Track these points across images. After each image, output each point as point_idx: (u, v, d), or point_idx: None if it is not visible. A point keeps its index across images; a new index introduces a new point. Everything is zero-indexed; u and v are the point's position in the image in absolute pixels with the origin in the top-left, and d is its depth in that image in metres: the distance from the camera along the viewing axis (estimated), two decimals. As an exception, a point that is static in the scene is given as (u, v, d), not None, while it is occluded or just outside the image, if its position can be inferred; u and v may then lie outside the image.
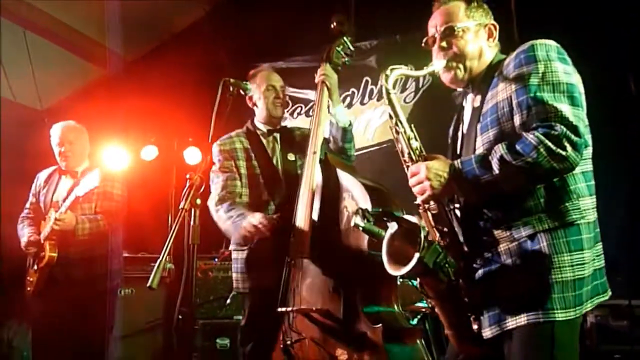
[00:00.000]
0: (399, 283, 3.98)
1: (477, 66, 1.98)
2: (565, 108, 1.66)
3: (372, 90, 5.79)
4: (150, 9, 6.15)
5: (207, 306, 4.65)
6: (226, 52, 6.50)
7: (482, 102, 1.90)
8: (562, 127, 1.62)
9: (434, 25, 2.03)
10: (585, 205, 1.74)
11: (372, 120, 5.68)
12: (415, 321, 3.97)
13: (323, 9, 5.98)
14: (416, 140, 1.91)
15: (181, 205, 2.02)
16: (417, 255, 1.64)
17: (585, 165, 1.78)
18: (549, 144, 1.60)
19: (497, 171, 1.67)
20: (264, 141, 3.01)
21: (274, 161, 2.95)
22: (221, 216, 2.77)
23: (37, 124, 5.85)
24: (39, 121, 6.14)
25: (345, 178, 2.51)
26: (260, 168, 2.90)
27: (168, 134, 6.10)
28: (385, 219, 1.87)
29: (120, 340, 4.72)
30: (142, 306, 4.87)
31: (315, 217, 2.51)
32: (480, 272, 1.82)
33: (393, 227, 1.82)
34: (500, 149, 1.68)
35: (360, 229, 1.93)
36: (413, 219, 1.81)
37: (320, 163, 2.60)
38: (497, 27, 2.03)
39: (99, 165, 3.98)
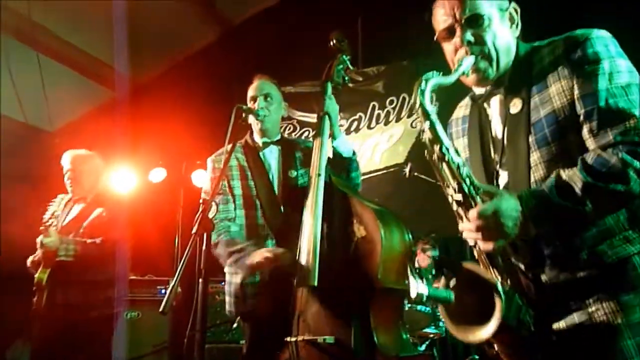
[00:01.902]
0: (406, 309, 3.98)
1: (508, 59, 1.65)
2: None
3: (379, 115, 5.84)
4: (161, 33, 6.26)
5: (213, 330, 4.62)
6: (235, 76, 6.59)
7: (527, 108, 1.58)
8: None
9: (450, 14, 1.64)
10: None
11: (379, 144, 5.72)
12: (423, 347, 3.95)
13: (330, 35, 6.13)
14: (465, 166, 1.54)
15: (193, 230, 2.02)
16: (497, 316, 1.36)
17: None
18: (638, 164, 1.34)
19: (583, 203, 1.37)
20: (261, 155, 2.84)
21: (271, 178, 2.77)
22: (221, 254, 2.61)
23: (47, 145, 5.93)
24: (49, 142, 6.24)
25: (352, 202, 2.37)
26: (257, 188, 2.72)
27: (176, 156, 6.16)
28: (442, 270, 1.60)
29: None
30: (149, 329, 4.83)
31: (321, 242, 2.33)
32: (559, 322, 1.48)
33: (450, 280, 1.50)
34: (580, 175, 1.38)
35: (425, 299, 1.49)
36: (474, 265, 1.51)
37: (325, 186, 2.44)
38: (519, 10, 1.71)
39: (111, 190, 4.02)
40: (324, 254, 2.32)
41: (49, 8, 5.43)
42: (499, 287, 1.38)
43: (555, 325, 1.47)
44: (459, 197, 1.49)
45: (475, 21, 1.61)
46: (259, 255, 2.42)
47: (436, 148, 1.54)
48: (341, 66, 2.76)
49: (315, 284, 2.27)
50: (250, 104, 2.85)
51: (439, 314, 3.86)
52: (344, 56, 2.78)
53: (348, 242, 2.29)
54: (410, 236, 2.28)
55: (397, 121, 5.71)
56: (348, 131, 5.95)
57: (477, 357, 3.99)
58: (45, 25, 5.71)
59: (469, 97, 1.84)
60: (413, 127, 5.39)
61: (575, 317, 1.44)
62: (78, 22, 5.87)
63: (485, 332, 1.38)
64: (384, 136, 5.72)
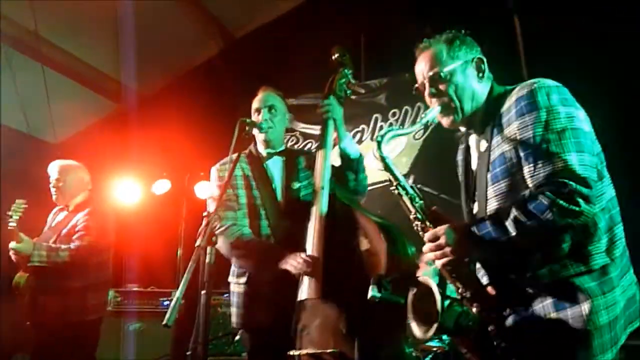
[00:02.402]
0: (409, 322, 3.95)
1: (473, 104, 1.94)
2: (572, 158, 1.63)
3: (381, 127, 5.84)
4: (165, 46, 6.31)
5: (216, 342, 4.60)
6: (239, 89, 6.62)
7: (489, 147, 1.86)
8: (572, 182, 1.59)
9: (421, 72, 1.99)
10: (611, 240, 1.70)
11: (386, 133, 5.71)
12: (428, 359, 3.92)
13: (333, 47, 6.16)
14: (419, 199, 1.90)
15: (197, 243, 2.03)
16: (435, 324, 1.66)
17: (602, 200, 1.72)
18: (561, 202, 1.58)
19: (513, 233, 1.64)
20: (265, 166, 2.85)
21: (274, 189, 2.78)
22: (245, 252, 2.63)
23: (50, 157, 5.95)
24: (53, 154, 6.26)
25: (356, 215, 2.41)
26: (262, 198, 2.73)
27: (180, 168, 6.17)
28: (404, 282, 1.89)
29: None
30: (151, 341, 4.83)
31: (325, 255, 2.36)
32: (510, 320, 1.76)
33: (412, 290, 1.82)
34: (513, 211, 1.65)
35: (377, 300, 1.92)
36: (428, 279, 1.79)
37: (329, 199, 2.47)
38: (485, 60, 1.97)
39: (95, 199, 4.05)
40: (327, 267, 2.33)
41: (54, 21, 5.47)
42: (438, 299, 1.67)
43: (507, 327, 1.74)
44: (417, 222, 1.87)
45: (436, 78, 1.93)
46: (294, 259, 2.40)
47: (394, 184, 1.94)
48: (343, 80, 2.79)
49: (319, 297, 2.28)
50: (254, 116, 2.87)
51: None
52: (346, 70, 2.80)
53: (352, 255, 2.31)
54: (414, 249, 2.29)
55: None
56: (351, 143, 5.95)
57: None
58: (50, 38, 5.75)
59: (455, 136, 2.15)
60: (416, 139, 5.37)
61: (523, 321, 1.72)
62: (82, 36, 5.92)
63: (429, 332, 1.70)
64: (387, 148, 5.68)
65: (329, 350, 2.22)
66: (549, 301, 1.68)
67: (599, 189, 1.70)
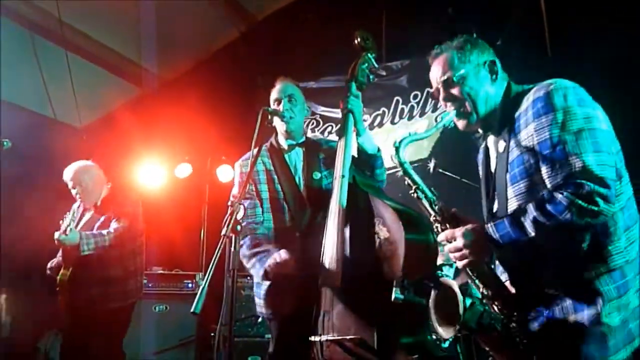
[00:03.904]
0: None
1: (488, 106, 1.97)
2: (590, 159, 1.65)
3: (402, 109, 5.80)
4: (186, 30, 6.32)
5: (239, 324, 4.67)
6: (260, 72, 6.62)
7: (507, 148, 1.90)
8: (590, 183, 1.61)
9: (434, 78, 2.04)
10: (628, 240, 1.72)
11: (404, 139, 5.68)
12: (446, 344, 3.95)
13: (354, 29, 6.11)
14: (438, 201, 1.96)
15: (223, 232, 2.07)
16: (457, 325, 1.73)
17: (622, 199, 1.74)
18: (580, 202, 1.60)
19: (532, 233, 1.66)
20: (287, 157, 2.86)
21: (297, 180, 2.79)
22: (244, 254, 2.65)
23: (75, 141, 6.06)
24: (77, 138, 6.37)
25: (375, 203, 2.38)
26: (284, 192, 2.75)
27: (202, 152, 6.23)
28: (425, 283, 1.94)
29: (153, 356, 4.80)
30: (176, 323, 4.93)
31: (345, 242, 2.38)
32: (531, 320, 1.80)
33: (434, 291, 1.89)
34: (532, 210, 1.67)
35: (400, 302, 1.97)
36: (449, 280, 1.86)
37: (348, 187, 2.46)
38: (497, 61, 2.01)
39: (117, 189, 4.20)
40: (348, 255, 2.35)
41: (78, 8, 5.52)
42: (460, 299, 1.74)
43: (530, 327, 1.78)
44: (437, 225, 1.92)
45: (449, 82, 1.98)
46: (271, 259, 2.52)
47: (413, 189, 2.00)
48: (366, 65, 2.71)
49: (340, 285, 2.30)
50: (274, 106, 2.85)
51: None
52: (369, 54, 2.72)
53: (372, 243, 2.29)
54: (435, 236, 2.24)
55: (421, 116, 5.67)
56: (371, 126, 5.93)
57: (501, 354, 3.98)
58: (74, 24, 5.80)
59: (473, 139, 2.18)
60: (438, 122, 5.34)
61: (544, 322, 1.76)
62: (105, 21, 5.96)
63: (451, 331, 1.79)
64: (408, 131, 5.68)
65: (349, 337, 2.24)
66: (568, 302, 1.72)
67: (617, 188, 1.70)
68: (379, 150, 2.73)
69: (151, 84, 6.91)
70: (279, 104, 2.84)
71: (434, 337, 2.33)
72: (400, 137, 2.02)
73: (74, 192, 4.07)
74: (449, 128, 2.05)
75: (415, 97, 5.72)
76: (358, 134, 2.65)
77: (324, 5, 6.14)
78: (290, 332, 2.62)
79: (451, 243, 1.83)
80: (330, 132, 6.22)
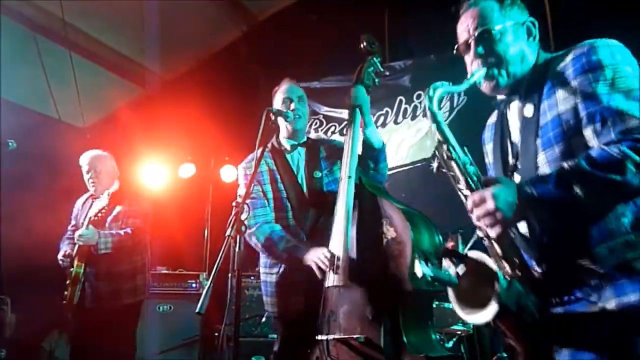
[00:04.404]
0: (434, 306, 3.97)
1: (522, 69, 1.78)
2: None
3: (405, 109, 5.80)
4: (188, 30, 6.33)
5: (243, 324, 4.66)
6: (262, 72, 6.63)
7: (537, 112, 1.69)
8: None
9: (466, 29, 1.83)
10: None
11: (406, 139, 5.69)
12: (450, 344, 3.95)
13: (357, 29, 6.11)
14: (472, 164, 1.67)
15: (227, 233, 2.08)
16: (494, 302, 1.50)
17: None
18: (637, 158, 1.41)
19: (579, 191, 1.44)
20: (289, 157, 2.92)
21: (300, 180, 2.84)
22: (276, 249, 2.70)
23: (78, 141, 6.07)
24: (80, 138, 6.38)
25: (382, 203, 2.41)
26: (287, 191, 2.81)
27: (205, 152, 6.24)
28: (450, 257, 1.68)
29: (156, 356, 4.80)
30: (180, 322, 4.94)
31: (352, 243, 2.41)
32: (561, 309, 1.59)
33: (459, 267, 1.63)
34: (581, 166, 1.46)
35: (430, 278, 1.70)
36: (479, 254, 1.61)
37: (355, 188, 2.48)
38: (537, 23, 1.83)
39: (128, 185, 4.25)
40: (355, 255, 2.37)
41: (81, 8, 5.54)
42: (499, 274, 1.51)
43: (558, 314, 1.58)
44: (467, 192, 1.63)
45: (486, 36, 1.77)
46: (315, 255, 2.49)
47: (444, 148, 1.70)
48: (371, 68, 2.76)
49: (345, 284, 2.32)
50: (280, 106, 2.89)
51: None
52: (375, 58, 2.77)
53: (378, 243, 2.32)
54: (441, 238, 2.31)
55: (424, 116, 5.66)
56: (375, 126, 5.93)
57: (505, 355, 3.97)
58: (77, 24, 5.82)
59: (493, 104, 1.95)
60: (469, 78, 5.31)
61: (577, 308, 1.54)
62: (108, 21, 5.97)
63: (486, 314, 1.51)
64: (411, 131, 5.68)
65: (355, 336, 2.26)
66: (607, 286, 1.49)
67: None
68: (383, 143, 2.77)
69: (154, 84, 6.93)
70: (290, 103, 2.90)
71: (438, 336, 2.34)
72: (436, 85, 1.76)
73: (87, 177, 4.13)
74: (458, 107, 1.89)
75: (418, 97, 5.72)
76: (365, 126, 2.67)
77: (326, 5, 6.13)
78: (296, 331, 2.64)
79: (479, 207, 1.54)
80: (333, 132, 6.22)
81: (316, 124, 6.26)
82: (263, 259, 2.88)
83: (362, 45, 2.77)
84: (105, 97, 6.84)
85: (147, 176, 6.14)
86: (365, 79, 2.72)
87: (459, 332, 3.96)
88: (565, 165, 1.50)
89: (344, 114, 5.86)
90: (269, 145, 2.94)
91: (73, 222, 4.25)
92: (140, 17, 5.79)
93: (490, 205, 1.51)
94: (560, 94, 1.63)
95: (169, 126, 6.28)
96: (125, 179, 4.37)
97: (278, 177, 2.85)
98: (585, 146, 1.55)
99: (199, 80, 6.65)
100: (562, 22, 4.50)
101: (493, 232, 1.55)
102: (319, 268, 2.46)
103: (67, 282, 3.89)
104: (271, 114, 2.57)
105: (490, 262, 1.57)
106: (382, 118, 5.91)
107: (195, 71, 7.08)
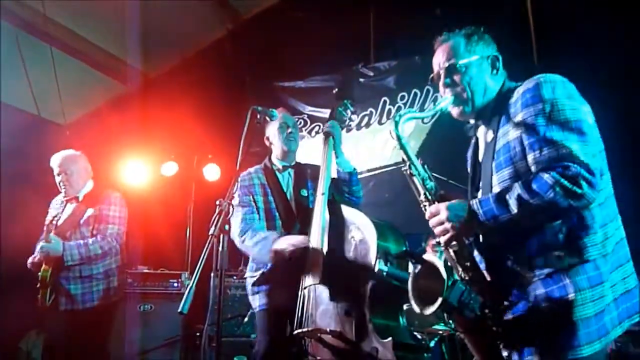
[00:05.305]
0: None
1: (485, 99, 2.01)
2: (576, 147, 1.69)
3: (389, 110, 5.83)
4: (173, 27, 6.28)
5: (225, 324, 4.64)
6: (247, 71, 6.61)
7: (495, 138, 1.93)
8: (576, 165, 1.66)
9: (437, 62, 2.08)
10: (605, 235, 1.75)
11: (390, 140, 5.66)
12: (432, 343, 3.98)
13: (342, 29, 6.15)
14: (430, 180, 1.97)
15: (210, 232, 2.07)
16: (440, 298, 1.72)
17: (601, 195, 1.76)
18: (565, 182, 1.64)
19: (515, 210, 1.70)
20: (279, 176, 3.25)
21: (288, 196, 3.19)
22: (248, 245, 2.99)
23: (59, 138, 6.00)
24: (61, 135, 6.30)
25: (349, 212, 2.77)
26: (276, 203, 3.14)
27: (188, 150, 6.20)
28: (407, 259, 1.93)
29: (138, 356, 4.75)
30: (161, 322, 4.89)
31: (326, 248, 2.73)
32: (505, 306, 1.82)
33: (416, 267, 1.88)
34: (517, 188, 1.72)
35: (385, 273, 2.08)
36: (433, 257, 1.85)
37: (328, 203, 2.86)
38: (500, 57, 2.06)
39: (102, 186, 4.16)
40: (328, 258, 2.67)
41: (63, 3, 5.46)
42: (444, 275, 1.74)
43: (501, 310, 1.80)
44: (426, 204, 1.93)
45: (452, 69, 2.02)
46: (283, 242, 2.85)
47: (407, 165, 2.00)
48: (341, 108, 3.20)
49: (321, 283, 2.62)
50: (277, 130, 3.26)
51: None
52: (345, 101, 3.22)
53: (349, 246, 2.66)
54: (407, 244, 2.69)
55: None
56: (359, 126, 5.95)
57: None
58: (59, 20, 5.73)
59: (464, 129, 2.19)
60: (424, 123, 5.34)
61: (517, 307, 1.78)
62: (90, 17, 5.90)
63: (432, 307, 1.75)
64: (403, 128, 5.70)
65: (329, 330, 2.53)
66: (541, 291, 1.74)
67: (599, 183, 1.72)
68: (354, 169, 3.14)
69: (136, 81, 6.86)
70: (287, 128, 3.27)
71: (406, 323, 2.63)
72: (402, 112, 2.05)
73: (58, 179, 4.00)
74: (445, 113, 2.08)
75: (402, 98, 5.75)
76: (337, 157, 3.06)
77: (312, 4, 6.13)
78: (277, 327, 2.88)
79: (434, 218, 1.85)
80: (317, 132, 6.22)
81: (301, 123, 6.26)
82: (250, 263, 3.17)
83: (334, 91, 3.33)
84: (87, 94, 6.75)
85: (129, 174, 6.08)
86: (337, 117, 3.16)
87: (440, 332, 3.99)
88: (505, 188, 1.77)
89: (328, 113, 5.86)
90: (262, 165, 3.31)
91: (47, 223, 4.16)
92: (123, 13, 5.72)
93: (442, 216, 1.82)
94: (510, 124, 1.87)
95: (152, 124, 6.22)
96: (105, 177, 4.29)
97: (269, 191, 3.19)
98: (529, 170, 1.78)
99: (183, 78, 6.61)
100: (545, 31, 4.57)
101: (443, 240, 1.84)
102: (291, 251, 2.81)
103: (37, 285, 3.84)
104: (257, 113, 2.58)
105: (440, 265, 1.80)
106: (366, 118, 5.93)
107: (179, 69, 7.02)
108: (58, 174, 4.00)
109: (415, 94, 5.67)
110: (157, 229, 5.83)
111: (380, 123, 5.87)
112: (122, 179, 5.95)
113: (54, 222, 3.80)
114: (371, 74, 5.91)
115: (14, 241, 4.74)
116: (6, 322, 5.29)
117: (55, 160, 4.02)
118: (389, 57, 5.90)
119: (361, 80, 5.99)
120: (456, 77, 2.01)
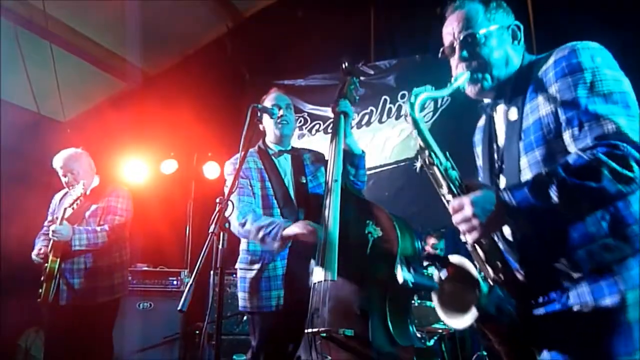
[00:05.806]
0: (415, 304, 4.00)
1: (506, 72, 1.77)
2: (623, 122, 1.46)
3: (390, 108, 5.82)
4: (172, 24, 6.27)
5: (224, 322, 4.64)
6: (247, 69, 6.60)
7: (520, 116, 1.68)
8: (625, 145, 1.41)
9: (451, 32, 1.81)
10: None
11: (390, 138, 5.71)
12: (432, 342, 3.98)
13: (342, 27, 6.15)
14: (454, 169, 1.67)
15: (210, 229, 2.06)
16: (475, 305, 1.50)
17: None
18: (614, 165, 1.39)
19: (556, 199, 1.43)
20: (276, 161, 3.02)
21: (286, 183, 2.95)
22: (250, 229, 2.72)
23: (60, 135, 5.98)
24: (61, 132, 6.29)
25: (368, 204, 2.59)
26: (274, 190, 2.91)
27: (188, 148, 6.20)
28: (430, 262, 1.73)
29: (137, 354, 4.75)
30: (160, 320, 4.89)
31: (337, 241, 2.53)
32: (542, 310, 1.58)
33: (443, 272, 1.65)
34: (558, 174, 1.45)
35: (411, 285, 1.88)
36: (461, 258, 1.62)
37: (341, 191, 2.62)
38: (522, 27, 1.82)
39: (109, 181, 4.19)
40: (341, 252, 2.48)
41: (62, 1, 5.44)
42: (480, 279, 1.52)
43: (539, 315, 1.58)
44: (449, 197, 1.65)
45: (470, 40, 1.76)
46: (299, 227, 2.60)
47: (426, 153, 1.71)
48: (352, 86, 3.01)
49: (335, 278, 2.43)
50: (275, 112, 3.01)
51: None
52: (354, 79, 3.04)
53: (365, 241, 2.45)
54: (420, 243, 2.51)
55: (406, 117, 5.69)
56: (359, 125, 5.94)
57: (485, 353, 4.01)
58: (58, 17, 5.72)
59: (478, 107, 1.94)
60: (425, 122, 5.34)
61: (556, 310, 1.54)
62: (90, 14, 5.88)
63: (467, 319, 1.52)
64: (395, 130, 5.70)
65: (343, 330, 2.36)
66: (585, 288, 1.49)
67: None
68: (363, 151, 2.96)
69: (136, 79, 6.84)
70: (279, 110, 3.02)
71: (416, 330, 2.46)
72: (417, 91, 1.75)
73: (64, 180, 4.01)
74: (442, 108, 1.92)
75: (402, 96, 5.74)
76: (346, 135, 2.85)
77: (312, 2, 6.12)
78: (278, 326, 2.71)
79: (458, 213, 1.57)
80: (317, 130, 6.21)
81: (300, 121, 6.25)
82: (243, 254, 2.92)
83: (343, 66, 3.05)
84: (87, 92, 6.73)
85: (128, 172, 6.07)
86: (347, 94, 2.96)
87: (440, 331, 3.99)
88: (543, 171, 1.53)
89: (328, 112, 5.85)
90: (255, 147, 3.06)
91: (50, 218, 4.16)
92: (122, 10, 5.70)
93: (467, 212, 1.54)
94: (542, 97, 1.63)
95: (152, 121, 6.21)
96: (105, 174, 4.30)
97: (266, 176, 2.94)
98: (565, 150, 1.55)
99: (183, 75, 6.59)
100: (545, 25, 4.55)
101: (470, 238, 1.57)
102: (302, 236, 2.58)
103: (42, 278, 3.82)
104: (257, 111, 2.58)
105: (471, 267, 1.58)
106: (366, 117, 5.92)
107: (179, 67, 7.01)
108: (64, 175, 4.00)
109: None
110: (156, 226, 5.83)
111: (380, 122, 5.86)
112: (122, 177, 5.94)
113: (62, 214, 3.79)
114: (371, 72, 5.90)
115: (13, 239, 4.74)
116: (5, 319, 5.29)
117: (57, 162, 4.02)
118: (389, 56, 5.90)
119: (361, 78, 5.97)
120: (475, 49, 1.75)
